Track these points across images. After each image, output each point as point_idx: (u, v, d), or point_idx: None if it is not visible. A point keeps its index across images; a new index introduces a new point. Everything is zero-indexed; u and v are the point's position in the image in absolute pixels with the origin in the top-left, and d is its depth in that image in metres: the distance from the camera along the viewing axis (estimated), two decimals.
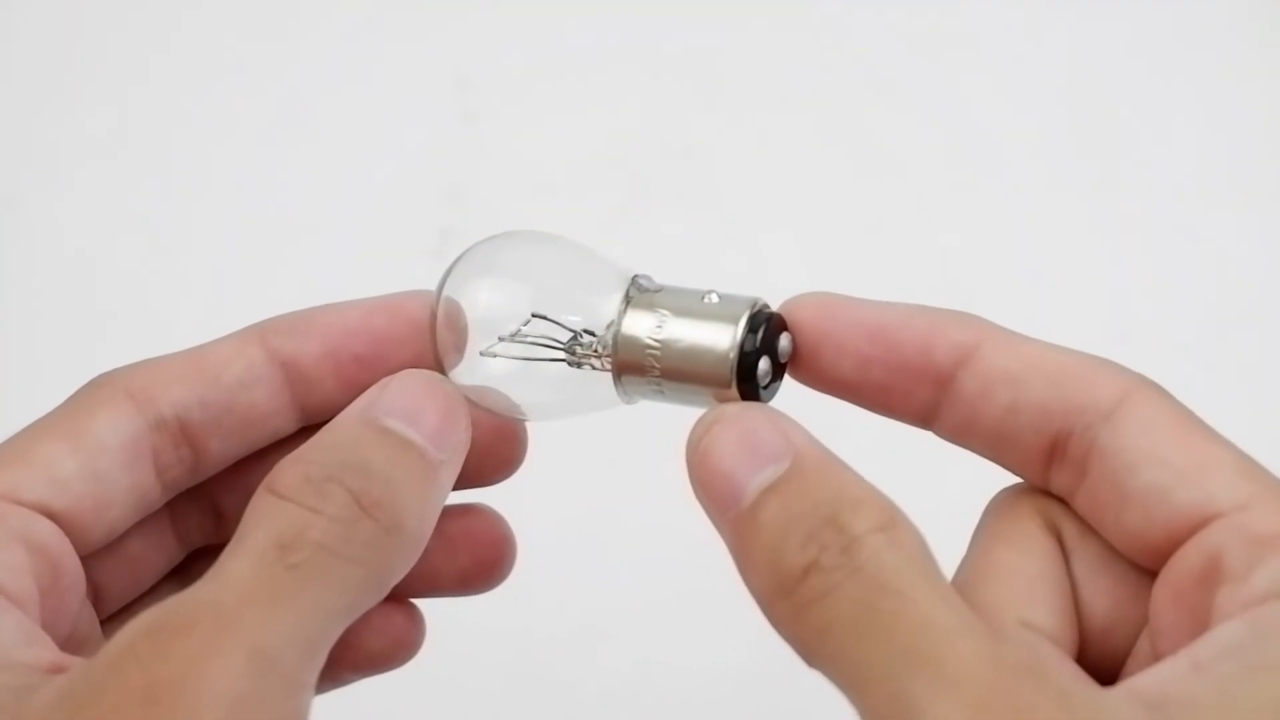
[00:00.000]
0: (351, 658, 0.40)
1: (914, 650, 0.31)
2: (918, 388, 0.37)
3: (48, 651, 0.33)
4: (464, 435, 0.37)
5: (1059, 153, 0.80)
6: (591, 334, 0.38)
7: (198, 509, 0.41)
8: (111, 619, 0.39)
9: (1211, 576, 0.33)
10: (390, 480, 0.35)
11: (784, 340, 0.37)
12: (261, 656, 0.31)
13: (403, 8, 0.82)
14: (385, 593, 0.35)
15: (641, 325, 0.37)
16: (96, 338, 0.71)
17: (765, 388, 0.37)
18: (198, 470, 0.39)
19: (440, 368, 0.38)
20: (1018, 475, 0.37)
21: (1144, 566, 0.35)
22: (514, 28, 0.82)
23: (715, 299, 0.37)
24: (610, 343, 0.37)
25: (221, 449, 0.39)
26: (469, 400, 0.38)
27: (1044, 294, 0.76)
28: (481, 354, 0.38)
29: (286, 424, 0.40)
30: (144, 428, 0.38)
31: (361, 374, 0.39)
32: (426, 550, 0.37)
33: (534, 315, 0.38)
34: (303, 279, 0.70)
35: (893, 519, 0.33)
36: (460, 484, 0.38)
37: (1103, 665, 0.35)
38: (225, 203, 0.77)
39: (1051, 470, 0.36)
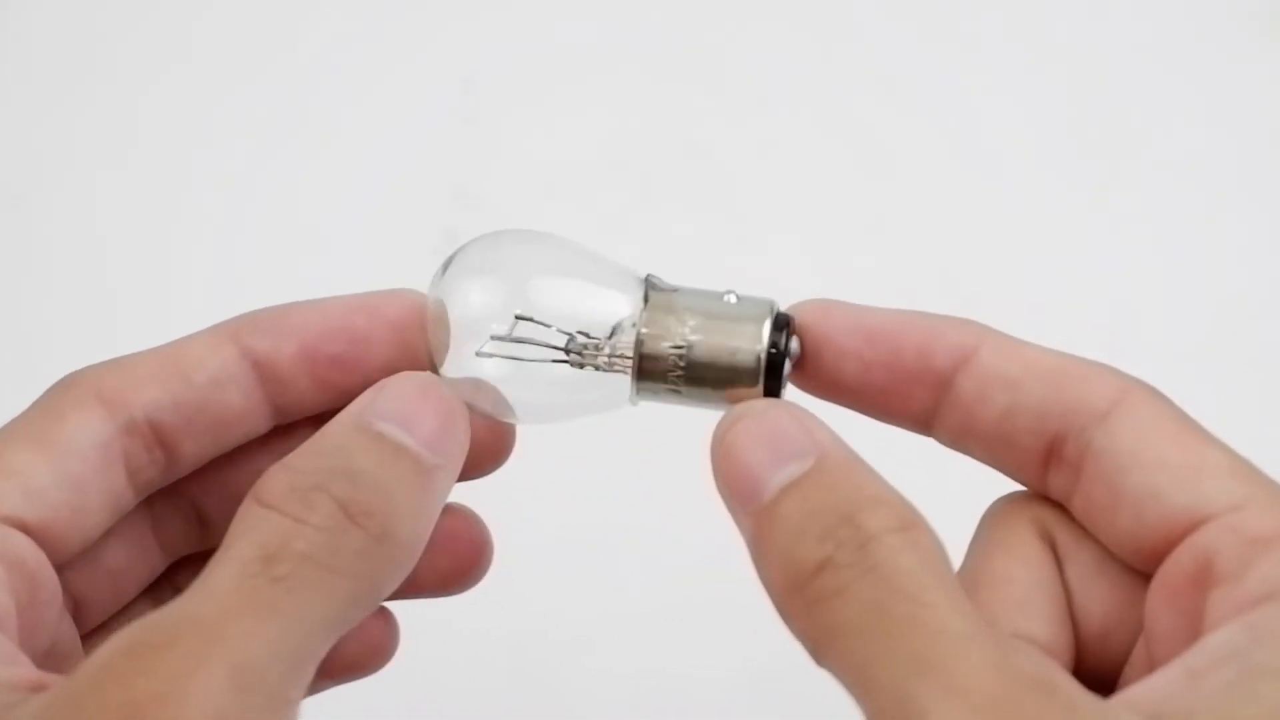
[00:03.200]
0: (326, 665, 0.39)
1: (923, 656, 0.30)
2: (917, 391, 0.37)
3: (26, 670, 0.33)
4: (462, 439, 0.36)
5: (1064, 151, 0.80)
6: (586, 335, 0.37)
7: (180, 516, 0.40)
8: (95, 632, 0.39)
9: (1205, 578, 0.33)
10: (381, 487, 0.34)
11: (794, 343, 0.38)
12: (245, 672, 0.30)
13: (408, 9, 0.83)
14: (377, 604, 0.35)
15: (663, 325, 0.37)
16: (104, 334, 0.71)
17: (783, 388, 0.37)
18: (170, 471, 0.38)
19: (433, 368, 0.38)
20: (1016, 479, 0.38)
21: (1139, 570, 0.35)
22: (520, 28, 0.82)
23: (734, 299, 0.37)
24: (633, 342, 0.37)
25: (194, 450, 0.38)
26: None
27: (1049, 291, 0.76)
28: (478, 354, 0.37)
29: (260, 424, 0.39)
30: (115, 431, 0.37)
31: (338, 375, 0.38)
32: None
33: (517, 317, 0.37)
34: (308, 278, 0.69)
35: (912, 521, 0.33)
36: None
37: (1100, 671, 0.36)
38: (230, 202, 0.77)
39: (1049, 473, 0.37)
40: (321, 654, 0.33)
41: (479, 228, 0.79)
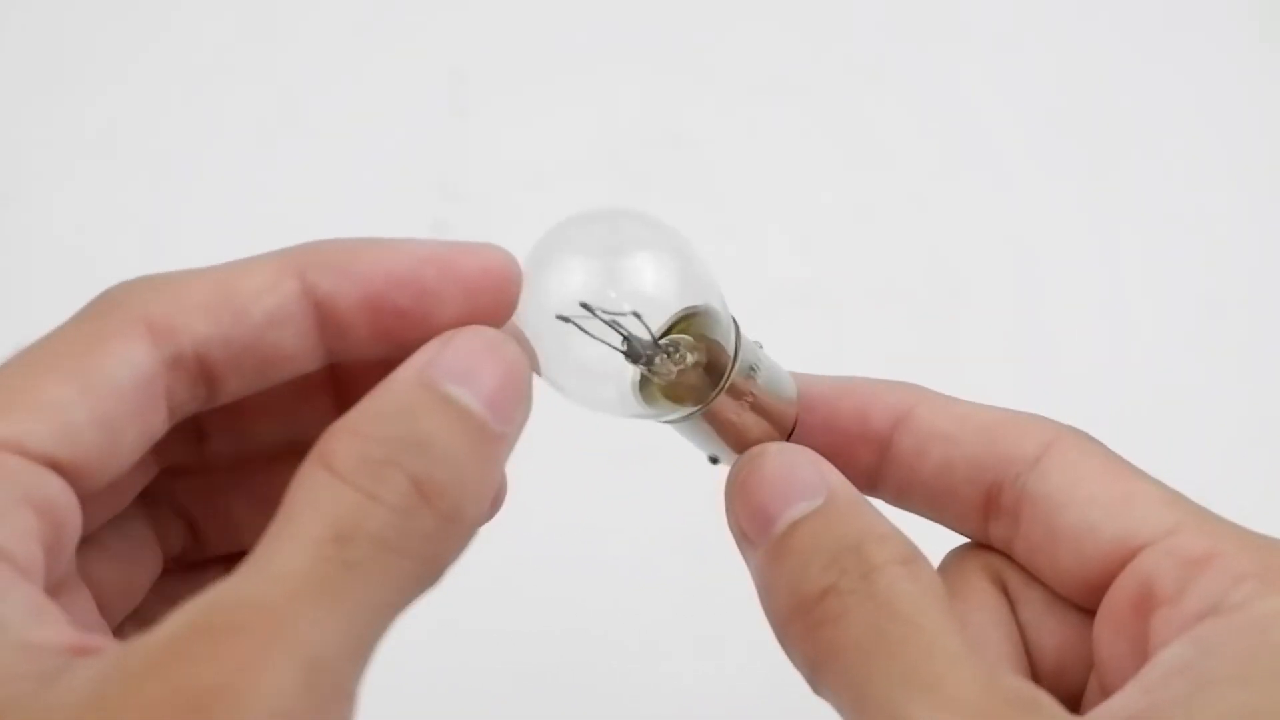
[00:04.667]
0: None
1: (915, 672, 0.32)
2: (859, 451, 0.39)
3: (62, 629, 0.30)
4: (527, 406, 0.34)
5: (1052, 141, 0.80)
6: (660, 343, 0.37)
7: (179, 431, 0.37)
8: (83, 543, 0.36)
9: (1146, 603, 0.34)
10: (450, 460, 0.32)
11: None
12: (314, 667, 0.28)
13: (396, 1, 0.82)
14: (436, 584, 0.32)
15: (743, 364, 0.38)
16: None
17: None
18: (211, 401, 0.36)
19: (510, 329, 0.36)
20: (961, 532, 0.40)
21: (1084, 606, 0.37)
22: (508, 20, 0.82)
23: (762, 349, 0.39)
24: (729, 368, 0.38)
25: (238, 386, 0.35)
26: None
27: (1036, 282, 0.76)
28: (558, 317, 0.36)
29: (309, 365, 0.36)
30: (160, 365, 0.34)
31: (400, 328, 0.35)
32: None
33: (582, 305, 0.36)
34: None
35: (913, 555, 0.35)
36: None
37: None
38: (218, 196, 0.77)
39: (990, 523, 0.38)
40: (380, 639, 0.31)
41: (466, 219, 0.80)
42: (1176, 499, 0.36)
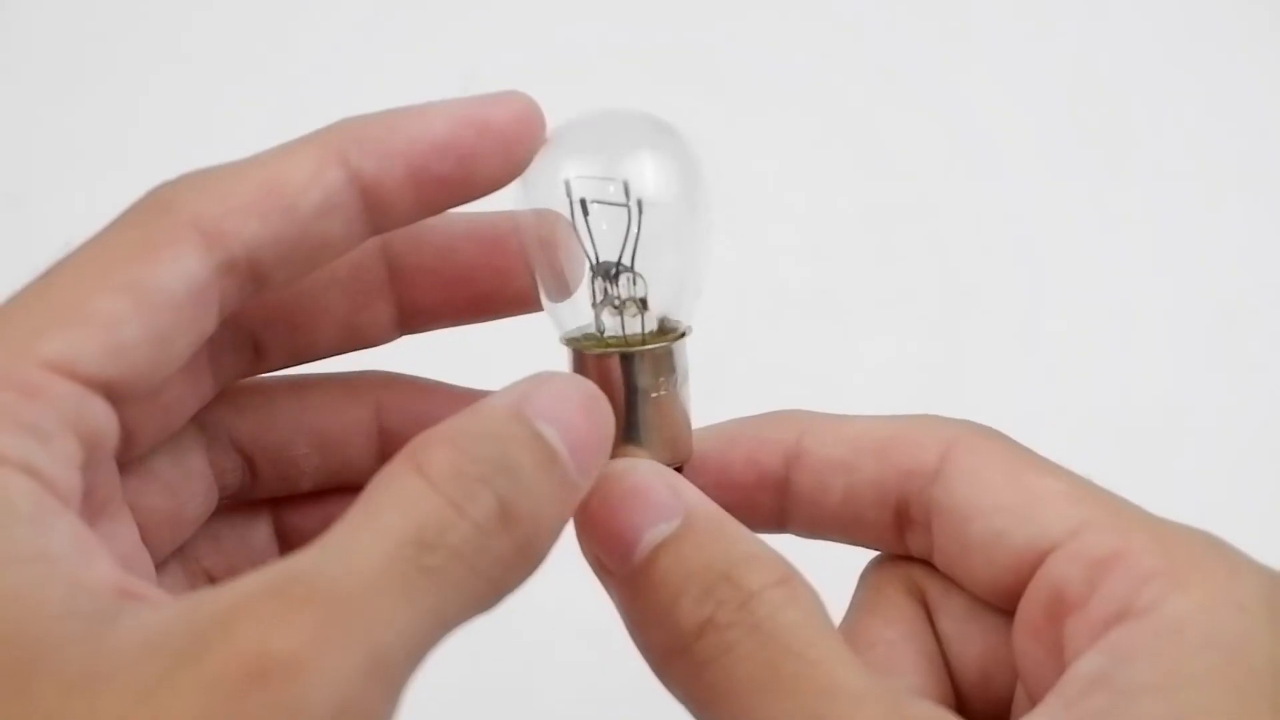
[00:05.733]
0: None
1: (818, 713, 0.31)
2: (759, 498, 0.38)
3: (109, 568, 0.30)
4: (603, 461, 0.34)
5: (1063, 144, 0.80)
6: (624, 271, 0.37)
7: (236, 343, 0.38)
8: (131, 465, 0.36)
9: (1058, 609, 0.34)
10: (534, 492, 0.32)
11: None
12: (378, 660, 0.28)
13: (410, 4, 0.83)
14: (490, 610, 0.32)
15: (653, 364, 0.37)
16: None
17: None
18: (257, 296, 0.35)
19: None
20: (879, 550, 0.38)
21: (1006, 611, 0.36)
22: (521, 24, 0.82)
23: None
24: (662, 341, 0.37)
25: (286, 277, 0.35)
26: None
27: (1047, 286, 0.76)
28: (567, 191, 0.37)
29: (355, 244, 0.36)
30: (213, 271, 0.33)
31: (443, 195, 0.36)
32: None
33: (581, 201, 0.37)
34: None
35: (788, 575, 0.33)
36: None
37: (988, 716, 0.36)
38: None
39: (906, 537, 0.37)
40: (430, 653, 0.31)
41: None
42: (1083, 493, 0.35)
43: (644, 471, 0.35)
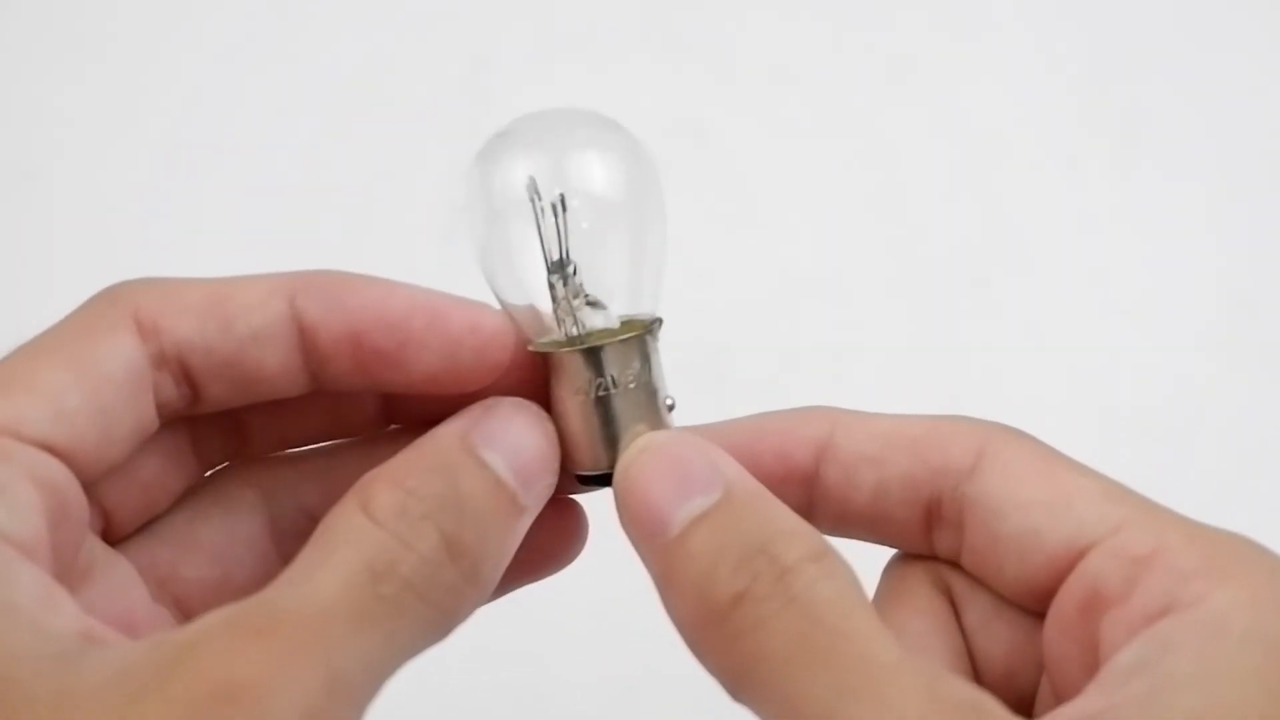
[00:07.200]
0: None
1: (852, 685, 0.31)
2: (787, 493, 0.37)
3: (73, 615, 0.31)
4: (550, 484, 0.36)
5: (1075, 134, 0.79)
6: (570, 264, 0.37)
7: (220, 426, 0.39)
8: (125, 541, 0.38)
9: (1095, 605, 0.34)
10: (479, 525, 0.34)
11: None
12: (339, 677, 0.30)
13: None
14: (447, 635, 0.34)
15: (621, 356, 0.37)
16: None
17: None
18: (197, 407, 0.37)
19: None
20: (904, 549, 0.39)
21: (1033, 610, 0.36)
22: (532, 8, 0.82)
23: (671, 408, 0.38)
24: (614, 337, 0.37)
25: (222, 395, 0.37)
26: None
27: (1058, 275, 0.76)
28: (527, 189, 0.37)
29: (294, 387, 0.37)
30: (147, 361, 0.35)
31: (379, 368, 0.37)
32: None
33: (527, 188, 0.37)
34: (318, 256, 0.70)
35: (824, 550, 0.33)
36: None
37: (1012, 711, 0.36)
38: (240, 184, 0.77)
39: (934, 536, 0.37)
40: (389, 678, 0.32)
41: None
42: (1118, 493, 0.35)
43: (684, 444, 0.36)
